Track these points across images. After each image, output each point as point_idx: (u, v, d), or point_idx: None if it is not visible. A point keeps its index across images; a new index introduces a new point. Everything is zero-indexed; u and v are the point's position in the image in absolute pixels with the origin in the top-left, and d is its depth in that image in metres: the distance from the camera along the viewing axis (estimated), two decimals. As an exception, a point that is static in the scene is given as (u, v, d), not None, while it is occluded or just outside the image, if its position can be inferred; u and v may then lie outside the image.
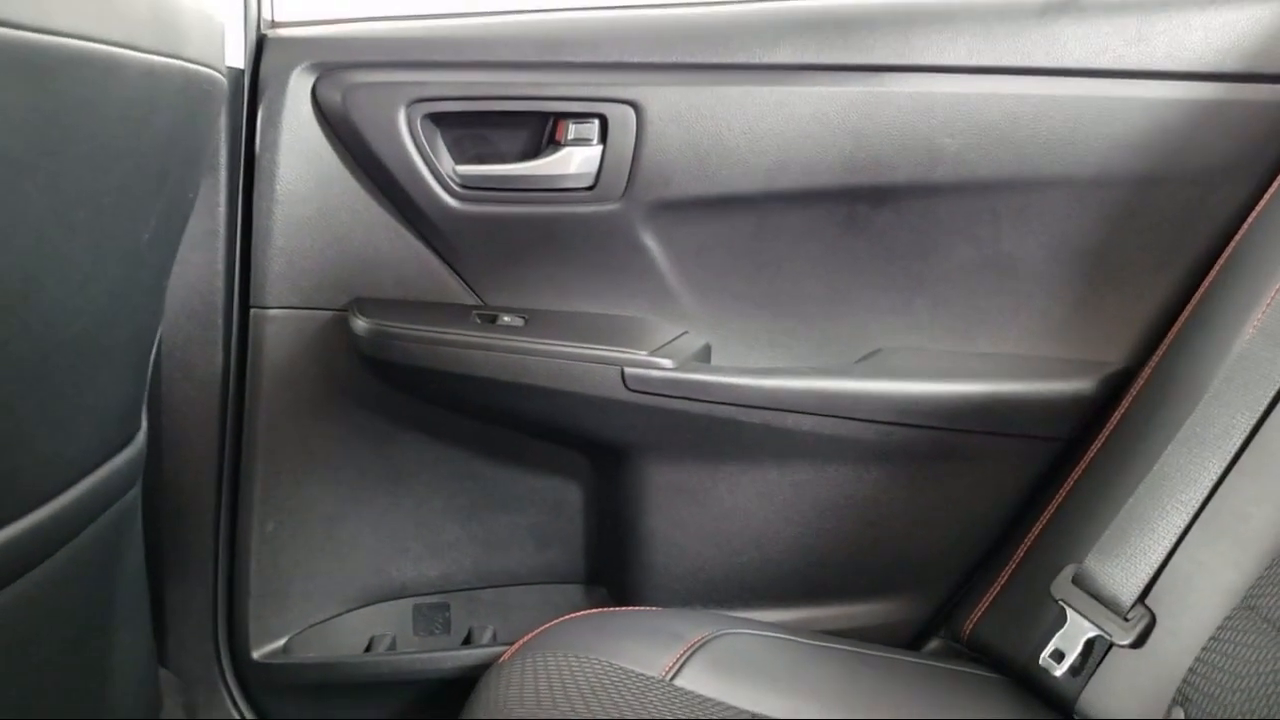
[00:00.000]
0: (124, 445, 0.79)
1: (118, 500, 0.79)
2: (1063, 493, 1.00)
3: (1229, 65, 0.98)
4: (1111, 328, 1.04)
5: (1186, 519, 0.85)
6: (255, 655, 1.06)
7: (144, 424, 0.84)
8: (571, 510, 1.12)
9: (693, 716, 0.80)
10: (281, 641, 1.08)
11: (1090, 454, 0.99)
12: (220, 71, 0.75)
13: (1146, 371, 0.98)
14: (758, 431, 1.00)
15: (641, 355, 0.98)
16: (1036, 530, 1.01)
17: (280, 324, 1.02)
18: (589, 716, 0.77)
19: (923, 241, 1.04)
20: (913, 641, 1.07)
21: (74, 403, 0.68)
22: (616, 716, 0.78)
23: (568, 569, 1.13)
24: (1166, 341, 0.99)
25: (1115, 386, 1.01)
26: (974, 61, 0.99)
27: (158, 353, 0.94)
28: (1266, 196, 0.97)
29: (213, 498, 1.05)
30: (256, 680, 1.08)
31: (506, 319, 1.03)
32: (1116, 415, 0.99)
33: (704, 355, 1.06)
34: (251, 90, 1.00)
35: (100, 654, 0.80)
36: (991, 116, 1.00)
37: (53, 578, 0.70)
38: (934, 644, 1.08)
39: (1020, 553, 1.01)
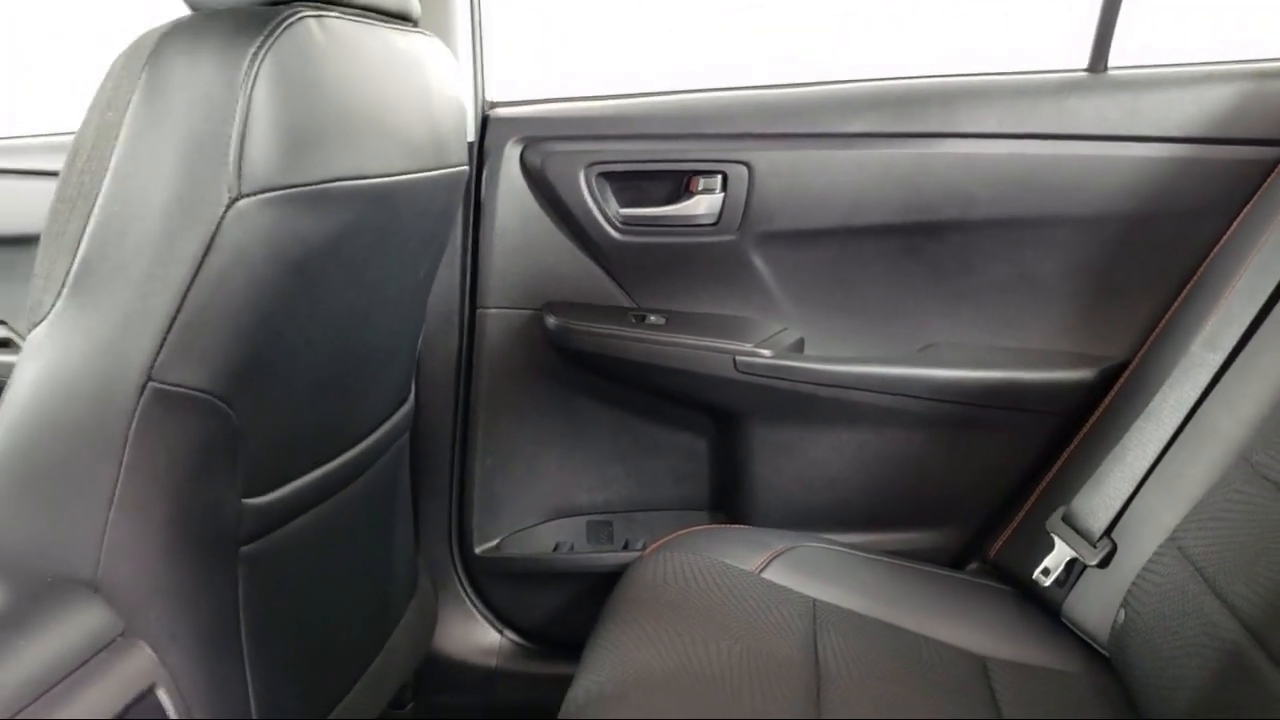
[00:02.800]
0: (402, 404, 1.23)
1: (398, 440, 1.22)
2: (1064, 455, 1.32)
3: (1201, 132, 1.27)
4: (1109, 330, 1.35)
5: (1141, 474, 1.17)
6: (477, 550, 1.50)
7: (413, 390, 1.27)
8: (699, 456, 1.51)
9: (770, 598, 1.17)
10: (495, 541, 1.51)
11: (1086, 427, 1.31)
12: (465, 163, 1.16)
13: (1132, 365, 1.29)
14: (833, 404, 1.36)
15: (748, 346, 1.36)
16: (1044, 483, 1.33)
17: (496, 319, 1.45)
18: (698, 592, 1.16)
19: (964, 264, 1.37)
20: (952, 563, 1.41)
21: (383, 380, 1.11)
22: (717, 594, 1.16)
23: (696, 498, 1.52)
24: (1148, 342, 1.29)
25: (1110, 375, 1.32)
26: (1002, 129, 1.31)
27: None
28: (1227, 234, 1.25)
29: (449, 440, 1.48)
30: (477, 568, 1.51)
31: (652, 318, 1.42)
32: (1108, 398, 1.30)
33: (798, 346, 1.42)
34: (478, 156, 1.42)
35: (387, 536, 1.24)
36: (1016, 170, 1.32)
37: (367, 485, 1.13)
38: (972, 566, 1.41)
39: (1031, 499, 1.34)
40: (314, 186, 0.83)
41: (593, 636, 1.10)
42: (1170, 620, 1.02)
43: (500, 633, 1.53)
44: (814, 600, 1.18)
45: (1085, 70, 1.33)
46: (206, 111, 0.78)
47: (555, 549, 1.50)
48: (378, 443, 1.14)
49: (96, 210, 0.80)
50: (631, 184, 1.40)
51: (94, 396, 0.80)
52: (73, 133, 1.20)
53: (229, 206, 0.78)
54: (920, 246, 1.37)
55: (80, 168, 0.81)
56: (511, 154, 1.40)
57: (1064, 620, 1.20)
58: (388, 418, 1.16)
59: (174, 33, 0.81)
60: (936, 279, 1.38)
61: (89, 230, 0.80)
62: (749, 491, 1.44)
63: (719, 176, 1.37)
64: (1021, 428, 1.35)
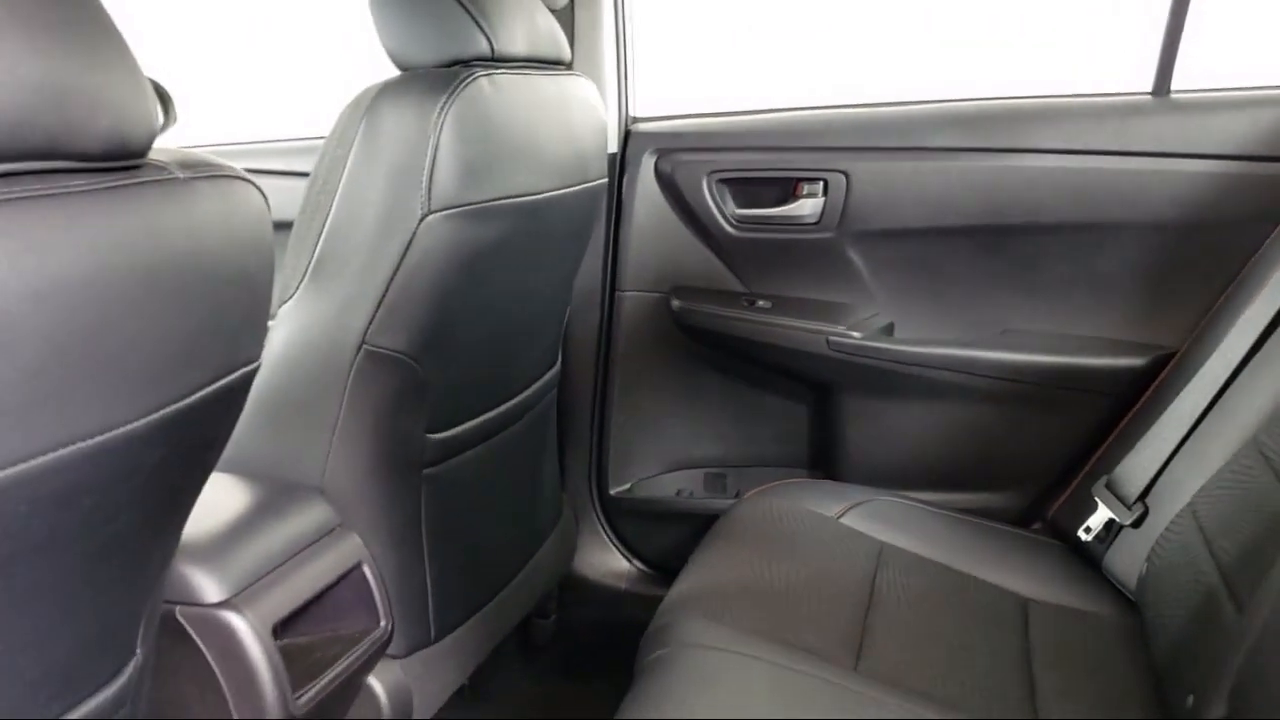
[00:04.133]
0: (550, 368, 1.52)
1: (546, 396, 1.52)
2: (1114, 431, 1.51)
3: (1251, 150, 1.43)
4: (1159, 323, 1.52)
5: (1172, 449, 1.36)
6: (612, 491, 1.80)
7: (559, 357, 1.57)
8: (800, 420, 1.76)
9: (843, 539, 1.41)
10: (627, 485, 1.80)
11: (1135, 407, 1.50)
12: (604, 176, 1.43)
13: (1178, 354, 1.47)
14: (915, 379, 1.59)
15: (840, 328, 1.59)
16: (1096, 455, 1.53)
17: (631, 300, 1.73)
18: (782, 530, 1.41)
19: (1033, 262, 1.57)
20: (1015, 523, 1.61)
21: (533, 348, 1.41)
22: (798, 532, 1.41)
23: (796, 457, 1.77)
24: (1193, 335, 1.47)
25: (1158, 363, 1.50)
26: (1069, 146, 1.50)
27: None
28: (1268, 241, 1.42)
29: (590, 399, 1.77)
30: (611, 506, 1.81)
31: (761, 302, 1.67)
32: (1155, 383, 1.49)
33: (888, 330, 1.65)
34: (621, 164, 1.69)
35: (536, 473, 1.54)
36: (1080, 182, 1.51)
37: (520, 431, 1.43)
38: (1036, 526, 1.61)
39: (1085, 469, 1.53)
40: (482, 204, 1.12)
41: (691, 557, 1.37)
42: (1176, 571, 1.21)
43: (629, 561, 1.82)
44: (882, 544, 1.41)
45: (1149, 94, 1.50)
46: (406, 150, 1.08)
47: (677, 494, 1.78)
48: (529, 398, 1.43)
49: (329, 222, 1.12)
50: (746, 188, 1.66)
51: (324, 355, 1.12)
52: (298, 139, 1.57)
53: (421, 220, 1.08)
54: (996, 245, 1.58)
55: (318, 189, 1.13)
56: (648, 163, 1.68)
57: (1104, 572, 1.40)
58: (538, 378, 1.46)
59: (385, 90, 1.11)
60: (1010, 274, 1.58)
61: (323, 236, 1.12)
62: (839, 452, 1.69)
63: (821, 183, 1.61)
64: (1080, 406, 1.55)
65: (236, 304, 0.68)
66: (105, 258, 0.57)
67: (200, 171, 0.66)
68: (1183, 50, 1.49)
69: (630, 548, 1.83)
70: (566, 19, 1.61)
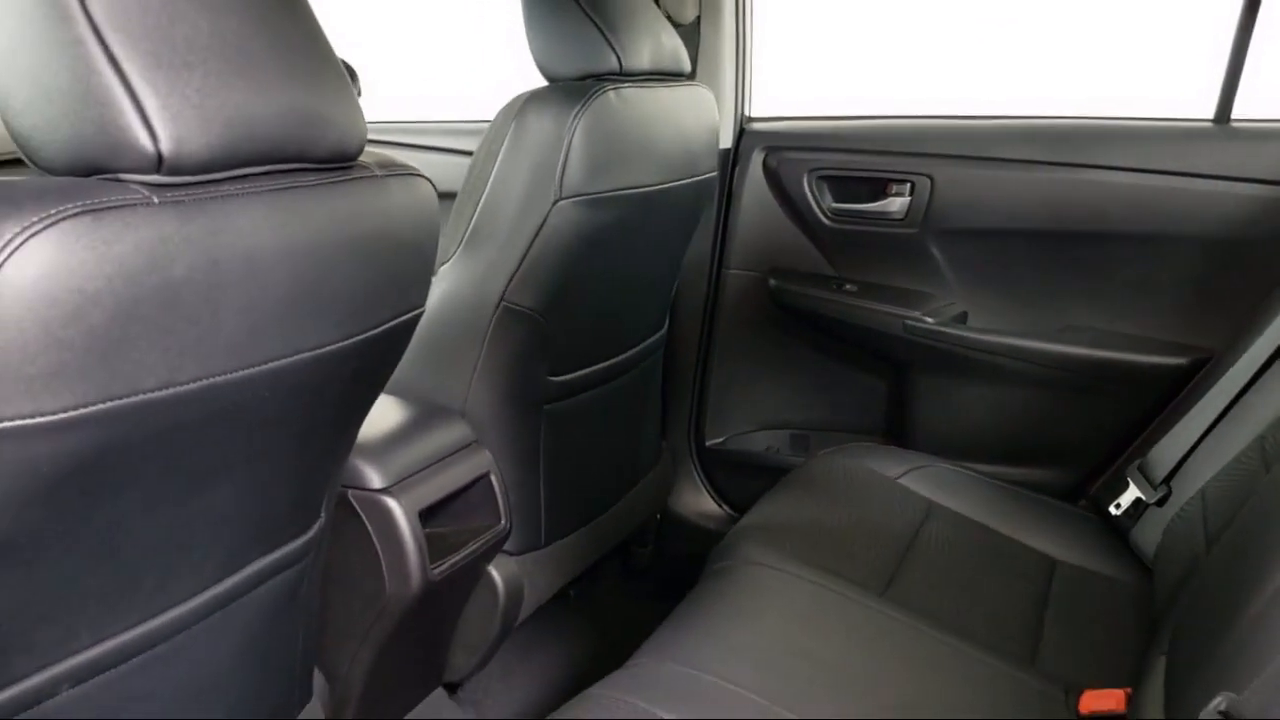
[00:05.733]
0: (656, 331, 1.78)
1: (651, 356, 1.79)
2: (1155, 421, 1.69)
3: (1290, 176, 1.59)
4: (1204, 327, 1.69)
5: (1196, 440, 1.54)
6: (708, 443, 2.06)
7: (666, 322, 1.83)
8: (878, 393, 1.98)
9: (896, 495, 1.63)
10: (722, 439, 2.06)
11: (1174, 401, 1.67)
12: (714, 170, 1.68)
13: (1216, 356, 1.64)
14: (980, 364, 1.79)
15: (915, 314, 1.81)
16: (1137, 441, 1.71)
17: (735, 278, 1.98)
18: (842, 484, 1.64)
19: (1095, 266, 1.75)
20: (1062, 498, 1.80)
21: (642, 312, 1.67)
22: (856, 487, 1.63)
23: (872, 424, 1.99)
24: (1233, 340, 1.63)
25: (1199, 363, 1.67)
26: (1131, 165, 1.68)
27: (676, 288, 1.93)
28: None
29: (694, 361, 2.03)
30: (707, 456, 2.07)
31: (848, 286, 1.89)
32: (1194, 380, 1.66)
33: (961, 318, 1.85)
34: (734, 157, 1.94)
35: (639, 419, 1.81)
36: (1140, 198, 1.68)
37: (628, 382, 1.70)
38: (1082, 502, 1.80)
39: (1127, 451, 1.72)
40: (603, 194, 1.39)
41: (764, 496, 1.61)
42: (1179, 543, 1.41)
43: (719, 505, 2.08)
44: (931, 502, 1.63)
45: (1211, 121, 1.66)
46: (545, 149, 1.35)
47: (765, 449, 2.02)
48: (636, 355, 1.70)
49: (482, 202, 1.40)
50: (842, 185, 1.88)
51: (471, 308, 1.41)
52: (461, 121, 1.88)
53: (553, 205, 1.36)
54: (1061, 249, 1.76)
55: (475, 175, 1.41)
56: (757, 158, 1.92)
57: (1130, 544, 1.59)
58: (645, 339, 1.72)
59: (532, 99, 1.39)
60: (1072, 275, 1.77)
61: (477, 213, 1.40)
62: (907, 423, 1.90)
63: (909, 184, 1.82)
64: (1126, 397, 1.73)
65: (410, 265, 0.96)
66: (326, 230, 0.85)
67: (392, 171, 0.94)
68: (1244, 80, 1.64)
69: (721, 493, 2.08)
70: (693, 32, 1.86)
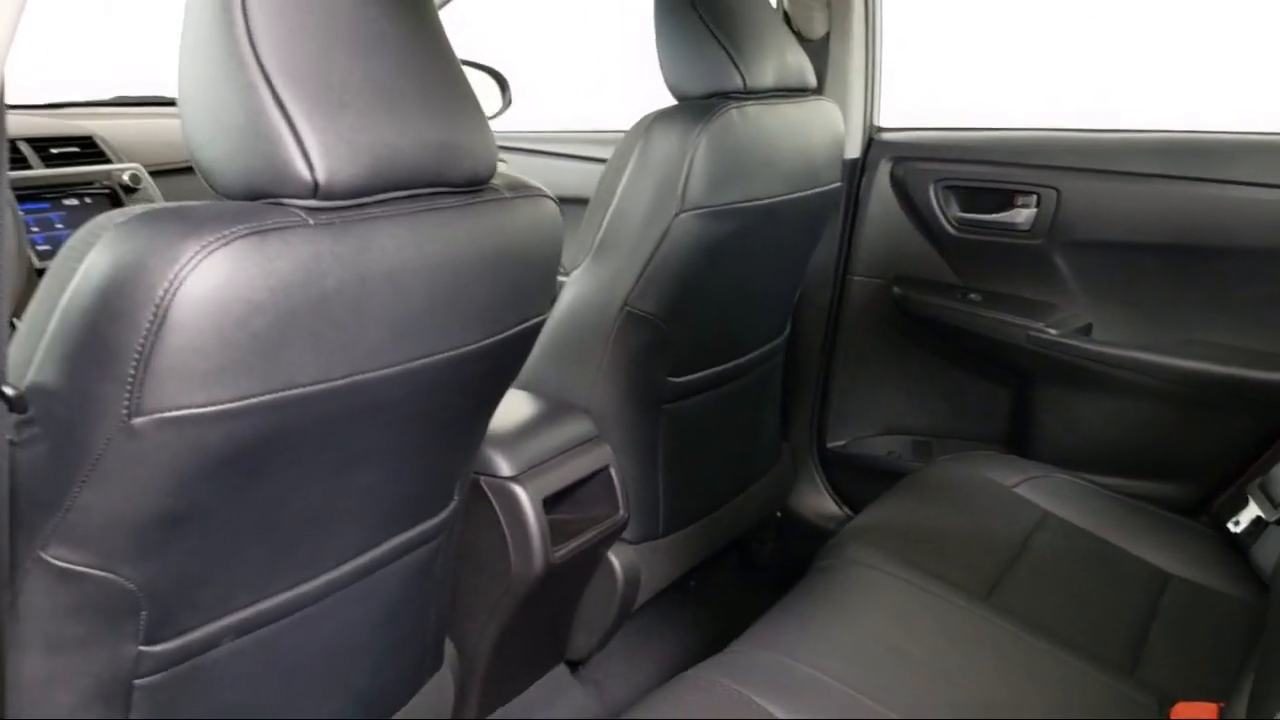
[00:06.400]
0: (777, 335, 1.85)
1: (772, 359, 1.85)
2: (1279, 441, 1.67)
3: None
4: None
5: None
6: (829, 445, 2.11)
7: (788, 327, 1.89)
8: (998, 401, 1.99)
9: (1010, 503, 1.66)
10: (843, 441, 2.11)
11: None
12: (837, 181, 1.74)
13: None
14: (1102, 376, 1.80)
15: (1039, 325, 1.83)
16: (1261, 459, 1.69)
17: (859, 284, 2.03)
18: (957, 491, 1.67)
19: (1224, 281, 1.74)
20: (1183, 513, 1.79)
21: (762, 317, 1.74)
22: (971, 493, 1.67)
23: (993, 433, 2.01)
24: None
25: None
26: (1257, 179, 1.67)
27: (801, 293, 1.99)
28: None
29: (817, 364, 2.09)
30: (828, 458, 2.13)
31: (972, 295, 1.92)
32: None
33: (1086, 330, 1.86)
34: (862, 167, 1.98)
35: (758, 421, 1.88)
36: (1267, 213, 1.66)
37: (747, 385, 1.77)
38: (1203, 518, 1.79)
39: (1250, 468, 1.70)
40: (723, 206, 1.47)
41: (878, 499, 1.66)
42: (1295, 561, 1.41)
43: (839, 507, 2.13)
44: (1046, 512, 1.65)
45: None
46: (668, 164, 1.44)
47: (886, 454, 2.07)
48: (754, 359, 1.77)
49: (609, 213, 1.50)
50: (968, 195, 1.91)
51: (597, 311, 1.51)
52: (600, 130, 2.00)
53: (675, 216, 1.45)
54: (1188, 263, 1.76)
55: (605, 187, 1.51)
56: (884, 168, 1.96)
57: (1249, 562, 1.58)
58: (764, 344, 1.79)
59: (659, 118, 1.48)
60: (1199, 290, 1.76)
61: (605, 223, 1.50)
62: (1027, 432, 1.92)
63: (1034, 196, 1.84)
64: (1250, 413, 1.72)
65: (534, 277, 1.07)
66: (461, 247, 0.96)
67: (520, 193, 1.05)
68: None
69: (841, 495, 2.13)
70: (823, 46, 1.91)
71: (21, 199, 1.55)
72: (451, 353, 0.98)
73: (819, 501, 2.14)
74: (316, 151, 0.83)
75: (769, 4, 1.61)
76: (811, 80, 1.66)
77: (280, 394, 0.84)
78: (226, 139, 0.84)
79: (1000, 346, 1.88)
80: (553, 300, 1.56)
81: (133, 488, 0.83)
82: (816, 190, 1.66)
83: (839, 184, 1.74)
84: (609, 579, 1.58)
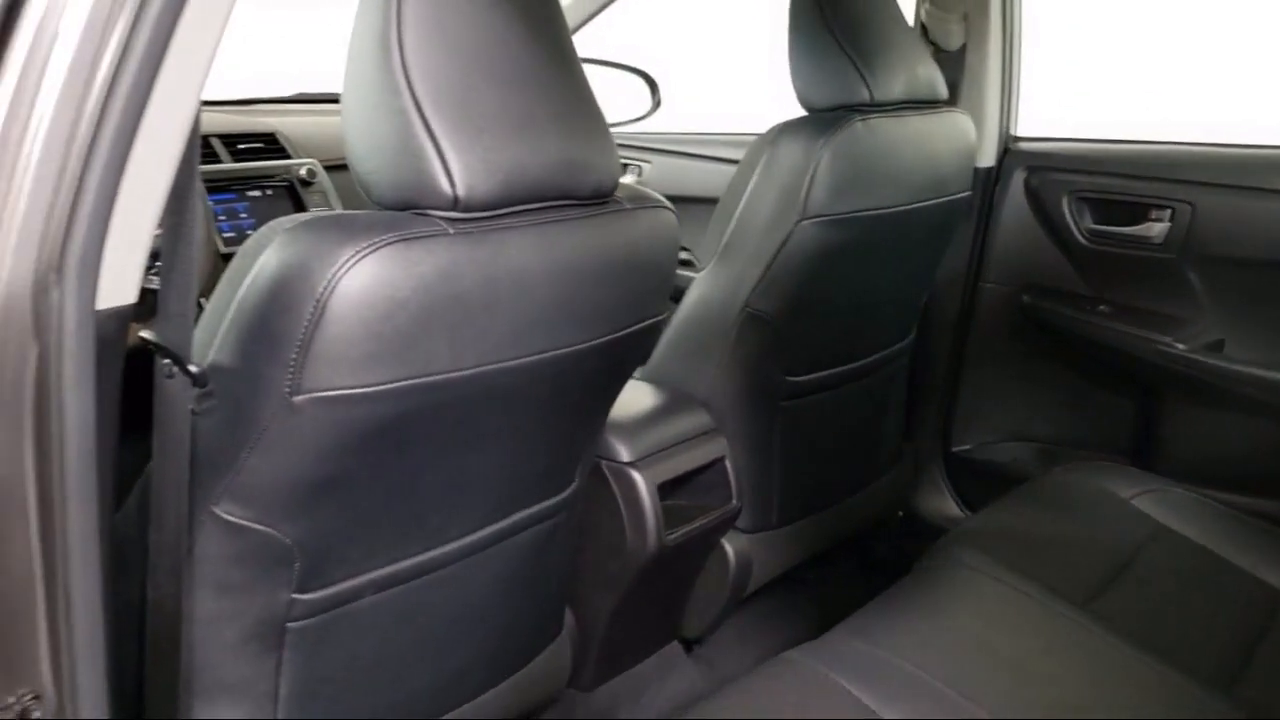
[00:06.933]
0: (901, 340, 1.90)
1: (895, 363, 1.90)
2: None
3: None
4: None
5: None
6: (954, 449, 2.15)
7: (912, 332, 1.93)
8: (1124, 413, 1.99)
9: (1123, 515, 1.66)
10: (969, 446, 2.14)
11: None
12: (966, 190, 1.77)
13: None
14: (1230, 393, 1.79)
15: (1167, 339, 1.82)
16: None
17: (989, 291, 2.05)
18: (1071, 499, 1.69)
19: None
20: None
21: (885, 322, 1.80)
22: (1085, 503, 1.68)
23: (1115, 445, 2.00)
24: None
25: None
26: None
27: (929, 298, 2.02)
28: None
29: (944, 369, 2.12)
30: (953, 461, 2.16)
31: (1102, 307, 1.92)
32: None
33: (1217, 346, 1.84)
34: (997, 175, 2.01)
35: (880, 421, 1.93)
36: None
37: (870, 385, 1.83)
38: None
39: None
40: (844, 215, 1.54)
41: (990, 504, 1.70)
42: None
43: (962, 510, 2.16)
44: (1160, 525, 1.65)
45: None
46: (792, 174, 1.51)
47: (1010, 460, 2.09)
48: (877, 361, 1.83)
49: (735, 217, 1.58)
50: (1101, 207, 1.92)
51: (719, 311, 1.60)
52: (725, 133, 2.09)
53: (796, 223, 1.52)
54: None
55: (731, 193, 1.60)
56: (1019, 177, 1.99)
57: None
58: (886, 348, 1.84)
59: (785, 129, 1.55)
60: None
61: (731, 227, 1.59)
62: (1151, 446, 1.92)
63: (1169, 210, 1.83)
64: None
65: (651, 282, 1.16)
66: (582, 254, 1.06)
67: (640, 204, 1.15)
68: None
69: (964, 499, 2.17)
70: (960, 58, 1.95)
71: (211, 190, 1.73)
72: (571, 348, 1.08)
73: (942, 504, 2.18)
74: (457, 170, 0.95)
75: (902, 17, 1.66)
76: (942, 92, 1.70)
77: (418, 380, 0.96)
78: (381, 156, 0.97)
79: (1128, 359, 1.88)
80: (678, 299, 1.66)
81: (291, 455, 0.96)
82: (943, 199, 1.70)
83: (967, 193, 1.78)
84: (722, 564, 1.67)
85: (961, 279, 2.06)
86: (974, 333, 2.09)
